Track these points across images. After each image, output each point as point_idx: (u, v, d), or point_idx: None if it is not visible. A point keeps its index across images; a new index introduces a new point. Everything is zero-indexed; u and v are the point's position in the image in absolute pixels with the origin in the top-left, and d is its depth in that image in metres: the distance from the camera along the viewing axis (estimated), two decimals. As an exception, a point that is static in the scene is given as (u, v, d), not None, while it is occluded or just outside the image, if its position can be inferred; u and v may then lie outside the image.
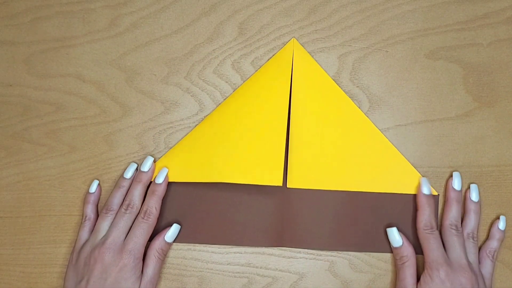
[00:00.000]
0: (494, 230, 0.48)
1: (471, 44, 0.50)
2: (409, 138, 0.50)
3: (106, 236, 0.45)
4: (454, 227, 0.46)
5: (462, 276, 0.43)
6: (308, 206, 0.48)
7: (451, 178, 0.48)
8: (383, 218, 0.48)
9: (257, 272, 0.49)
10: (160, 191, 0.47)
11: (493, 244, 0.47)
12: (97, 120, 0.51)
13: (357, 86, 0.50)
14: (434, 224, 0.46)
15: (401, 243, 0.46)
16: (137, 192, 0.47)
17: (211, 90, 0.51)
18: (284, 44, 0.50)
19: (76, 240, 0.47)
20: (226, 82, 0.51)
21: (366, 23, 0.50)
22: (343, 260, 0.49)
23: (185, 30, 0.51)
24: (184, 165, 0.49)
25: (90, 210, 0.48)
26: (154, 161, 0.49)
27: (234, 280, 0.49)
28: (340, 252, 0.49)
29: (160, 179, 0.47)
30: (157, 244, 0.46)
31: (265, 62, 0.50)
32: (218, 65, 0.51)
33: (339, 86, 0.50)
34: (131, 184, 0.48)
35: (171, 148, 0.50)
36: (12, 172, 0.51)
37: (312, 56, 0.50)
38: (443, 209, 0.48)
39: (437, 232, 0.46)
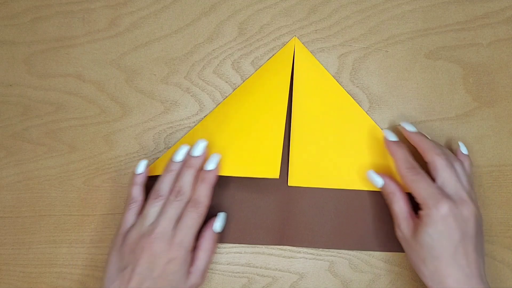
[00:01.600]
0: (459, 155, 0.46)
1: (471, 44, 0.50)
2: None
3: (154, 225, 0.42)
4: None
5: (464, 208, 0.40)
6: (309, 205, 0.48)
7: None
8: (385, 216, 0.48)
9: (257, 272, 0.49)
10: (210, 178, 0.44)
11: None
12: (97, 120, 0.51)
13: (357, 86, 0.50)
14: (415, 163, 0.43)
15: (382, 181, 0.45)
16: (187, 178, 0.43)
17: (211, 90, 0.51)
18: (284, 44, 0.50)
19: (121, 222, 0.44)
20: (226, 82, 0.51)
21: (366, 23, 0.50)
22: (343, 260, 0.49)
23: (185, 30, 0.51)
24: None
25: (137, 192, 0.45)
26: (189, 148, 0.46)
27: (234, 280, 0.49)
28: (340, 252, 0.49)
29: (211, 166, 0.44)
30: (207, 235, 0.44)
31: (265, 62, 0.50)
32: (218, 65, 0.51)
33: (339, 86, 0.50)
34: (181, 168, 0.45)
35: (171, 148, 0.50)
36: (12, 172, 0.51)
37: (312, 56, 0.50)
38: None
39: (423, 171, 0.42)
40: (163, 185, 0.44)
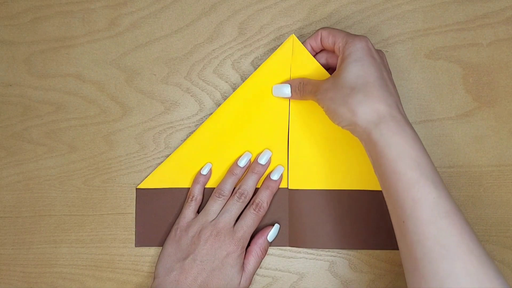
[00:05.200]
0: None
1: (471, 44, 0.50)
2: (409, 138, 0.49)
3: (218, 220, 0.45)
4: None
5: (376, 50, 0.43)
6: (311, 206, 0.48)
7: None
8: (386, 215, 0.48)
9: (257, 272, 0.49)
10: (274, 187, 0.48)
11: None
12: (97, 120, 0.51)
13: (357, 86, 0.50)
14: None
15: (289, 85, 0.46)
16: (251, 183, 0.47)
17: (211, 90, 0.51)
18: (284, 44, 0.50)
19: (180, 217, 0.47)
20: (226, 82, 0.51)
21: (366, 23, 0.50)
22: (343, 260, 0.49)
23: (185, 30, 0.51)
24: (186, 171, 0.49)
25: (198, 191, 0.48)
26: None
27: (234, 280, 0.49)
28: (340, 252, 0.49)
29: (275, 176, 0.48)
30: (260, 242, 0.47)
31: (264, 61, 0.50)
32: (218, 65, 0.51)
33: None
34: (243, 172, 0.48)
35: (171, 148, 0.50)
36: (12, 172, 0.51)
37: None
38: None
39: None
40: (226, 186, 0.47)
